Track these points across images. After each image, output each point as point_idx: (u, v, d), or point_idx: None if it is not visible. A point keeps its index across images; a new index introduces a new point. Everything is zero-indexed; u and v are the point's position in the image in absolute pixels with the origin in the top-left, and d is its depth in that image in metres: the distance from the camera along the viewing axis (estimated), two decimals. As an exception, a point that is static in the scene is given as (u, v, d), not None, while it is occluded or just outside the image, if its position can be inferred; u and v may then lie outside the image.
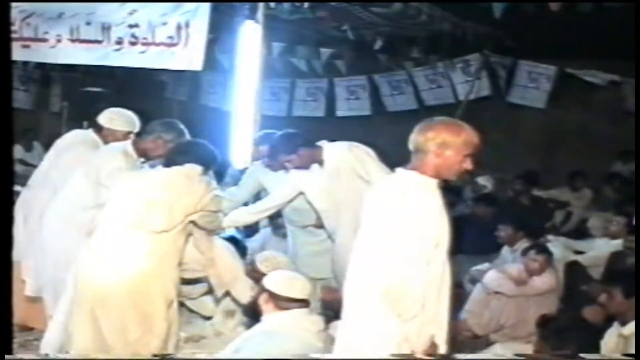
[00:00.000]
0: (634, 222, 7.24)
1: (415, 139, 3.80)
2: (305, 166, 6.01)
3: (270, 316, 4.75)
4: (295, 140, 6.02)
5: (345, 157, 5.96)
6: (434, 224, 3.70)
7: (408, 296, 3.60)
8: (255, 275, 5.97)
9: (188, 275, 5.58)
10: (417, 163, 3.77)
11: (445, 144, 3.69)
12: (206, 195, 5.18)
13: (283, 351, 4.33)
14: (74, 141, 6.65)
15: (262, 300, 4.79)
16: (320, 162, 5.99)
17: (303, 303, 4.80)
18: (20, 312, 6.44)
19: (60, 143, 6.76)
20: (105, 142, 6.38)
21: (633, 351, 4.56)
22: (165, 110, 11.43)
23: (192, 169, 5.20)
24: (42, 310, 6.25)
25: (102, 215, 5.23)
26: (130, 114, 6.56)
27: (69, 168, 6.22)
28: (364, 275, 3.60)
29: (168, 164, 5.38)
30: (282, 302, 4.73)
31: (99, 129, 6.52)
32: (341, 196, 5.91)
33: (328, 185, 5.99)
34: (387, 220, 3.63)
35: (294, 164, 5.99)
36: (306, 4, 7.29)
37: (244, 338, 4.82)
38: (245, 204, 6.68)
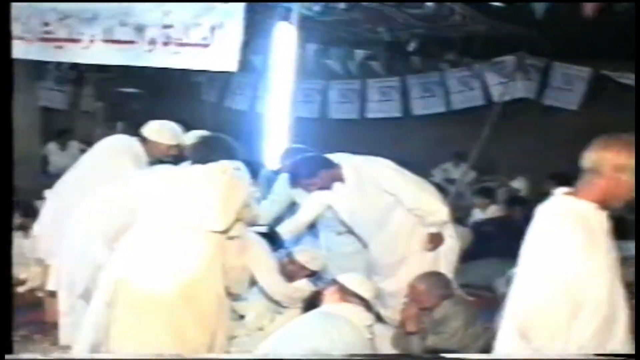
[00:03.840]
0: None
1: (590, 158, 3.35)
2: (327, 187, 6.06)
3: (333, 304, 4.97)
4: (315, 163, 6.07)
5: (364, 173, 6.01)
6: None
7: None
8: (292, 269, 6.14)
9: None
10: (583, 186, 3.38)
11: (622, 167, 3.27)
12: (246, 190, 5.21)
13: (338, 330, 4.60)
14: (116, 147, 6.55)
15: (329, 292, 5.08)
16: (342, 180, 6.03)
17: (363, 302, 5.02)
18: (49, 308, 6.57)
19: (102, 146, 6.68)
20: (149, 154, 6.32)
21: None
22: (198, 112, 11.49)
23: (227, 165, 5.20)
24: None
25: (140, 217, 5.20)
26: (175, 126, 6.47)
27: (106, 172, 6.15)
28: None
29: (196, 160, 5.35)
30: (348, 296, 4.99)
31: (142, 139, 6.41)
32: (367, 209, 6.01)
33: (353, 200, 6.05)
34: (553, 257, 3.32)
35: (316, 186, 6.06)
36: (342, 5, 7.28)
37: (301, 318, 4.95)
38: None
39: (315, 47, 10.10)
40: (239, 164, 5.39)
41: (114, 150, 6.44)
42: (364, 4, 7.70)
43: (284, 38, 7.42)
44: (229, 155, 5.30)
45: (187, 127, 6.57)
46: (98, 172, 6.24)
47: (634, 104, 11.69)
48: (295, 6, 7.19)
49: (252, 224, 5.56)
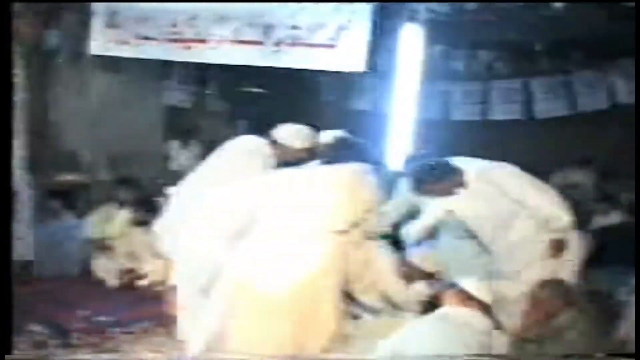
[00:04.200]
0: None
1: None
2: (451, 193, 6.07)
3: (452, 308, 4.93)
4: (439, 169, 6.06)
5: (488, 179, 6.00)
6: None
7: None
8: (407, 270, 6.11)
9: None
10: None
11: None
12: (373, 193, 5.18)
13: (457, 334, 4.62)
14: (245, 149, 6.54)
15: (448, 295, 5.01)
16: (466, 186, 6.03)
17: (483, 306, 4.97)
18: (170, 302, 6.64)
19: (231, 146, 6.67)
20: (278, 157, 6.29)
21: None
22: (319, 112, 11.50)
23: (357, 167, 5.18)
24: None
25: (261, 217, 5.22)
26: (306, 130, 6.42)
27: (234, 173, 6.16)
28: None
29: (328, 161, 5.34)
30: (468, 301, 4.94)
31: (272, 142, 6.39)
32: (491, 215, 6.00)
33: (476, 206, 6.05)
34: None
35: (440, 192, 6.08)
36: (470, 7, 7.16)
37: (420, 321, 4.88)
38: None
39: (441, 49, 10.00)
40: (368, 166, 5.36)
41: (243, 152, 6.43)
42: (495, 5, 7.57)
43: (410, 39, 7.35)
44: (359, 157, 5.30)
45: (308, 127, 6.53)
46: (225, 171, 6.26)
47: None
48: (422, 7, 7.10)
49: (374, 226, 5.51)
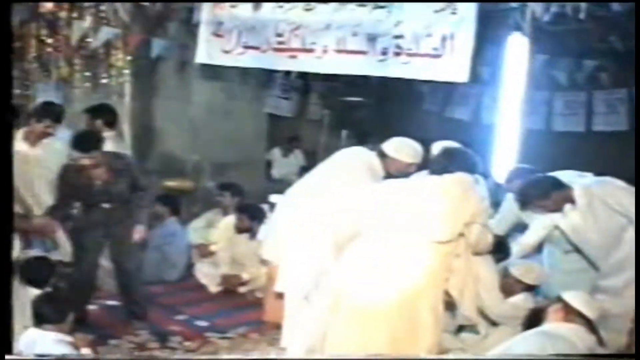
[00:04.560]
0: None
1: None
2: (558, 209, 6.01)
3: (555, 324, 4.83)
4: (546, 185, 6.02)
5: (596, 195, 5.91)
6: None
7: None
8: (508, 283, 6.07)
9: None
10: None
11: None
12: (480, 204, 5.15)
13: (558, 350, 4.50)
14: (354, 160, 6.48)
15: (553, 309, 4.93)
16: (572, 202, 5.95)
17: (587, 322, 4.86)
18: (270, 308, 6.72)
19: (340, 157, 6.64)
20: (387, 170, 6.25)
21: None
22: (420, 121, 11.47)
23: (464, 177, 5.15)
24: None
25: (367, 227, 5.23)
26: (416, 145, 6.36)
27: (341, 183, 6.17)
28: None
29: (434, 171, 5.33)
30: (572, 316, 4.85)
31: (381, 154, 6.33)
32: (598, 231, 5.90)
33: (583, 222, 5.94)
34: None
35: (547, 208, 6.02)
36: (575, 14, 7.05)
37: (521, 337, 4.83)
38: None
39: (544, 58, 9.85)
40: (478, 177, 5.34)
41: (352, 163, 6.40)
42: (599, 13, 7.43)
43: (515, 49, 7.29)
44: (469, 168, 5.27)
45: (409, 136, 6.52)
46: (333, 181, 6.27)
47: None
48: (527, 16, 7.02)
49: (478, 238, 5.46)
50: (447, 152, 5.61)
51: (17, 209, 6.33)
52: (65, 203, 6.70)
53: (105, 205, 6.55)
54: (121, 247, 6.71)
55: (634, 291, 5.57)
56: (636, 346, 4.29)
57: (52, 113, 7.87)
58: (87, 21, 8.58)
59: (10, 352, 3.65)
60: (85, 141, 6.45)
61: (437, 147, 6.21)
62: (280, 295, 6.34)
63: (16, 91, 11.01)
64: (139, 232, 6.70)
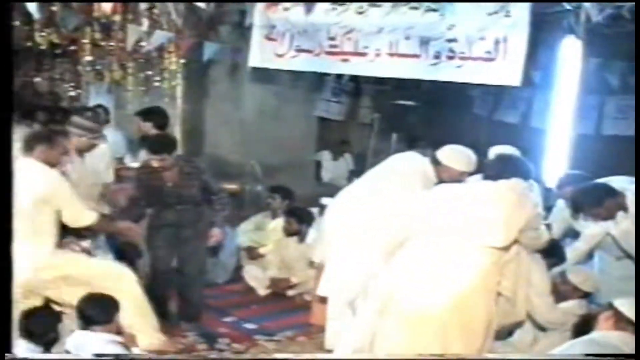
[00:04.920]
0: None
1: None
2: (611, 217, 5.98)
3: (605, 332, 4.70)
4: (600, 192, 5.95)
5: None
6: None
7: None
8: (565, 289, 5.98)
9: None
10: None
11: None
12: (534, 210, 5.12)
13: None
14: (408, 166, 6.42)
15: (604, 317, 4.76)
16: (626, 209, 5.91)
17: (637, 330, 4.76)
18: (318, 312, 6.75)
19: (393, 162, 6.60)
20: (439, 177, 6.15)
21: None
22: (469, 125, 11.42)
23: (520, 184, 5.13)
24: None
25: (418, 231, 5.22)
26: (470, 153, 6.25)
27: (393, 188, 6.18)
28: None
29: (489, 176, 5.31)
30: (623, 324, 4.68)
31: (435, 161, 6.23)
32: None
33: (634, 229, 5.86)
34: None
35: (600, 216, 5.99)
36: (627, 16, 6.97)
37: (569, 344, 4.78)
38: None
39: (597, 61, 9.76)
40: (531, 184, 5.31)
41: (405, 168, 6.36)
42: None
43: (568, 52, 7.24)
44: (523, 174, 5.24)
45: (458, 140, 6.48)
46: (385, 186, 6.27)
47: None
48: (581, 18, 6.96)
49: (532, 244, 5.43)
50: (501, 158, 5.59)
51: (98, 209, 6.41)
52: (139, 204, 6.80)
53: (177, 207, 6.65)
54: (188, 249, 6.78)
55: None
56: (636, 346, 4.25)
57: (100, 115, 7.96)
58: (145, 25, 8.64)
59: (10, 351, 3.66)
60: (160, 144, 6.59)
61: (493, 152, 6.19)
62: (325, 299, 6.40)
63: (71, 93, 11.23)
64: (215, 235, 6.81)
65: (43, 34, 8.92)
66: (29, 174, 5.43)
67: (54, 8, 8.53)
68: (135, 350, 5.31)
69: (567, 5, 7.02)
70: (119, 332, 5.31)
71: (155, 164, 6.51)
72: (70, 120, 6.73)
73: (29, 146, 5.70)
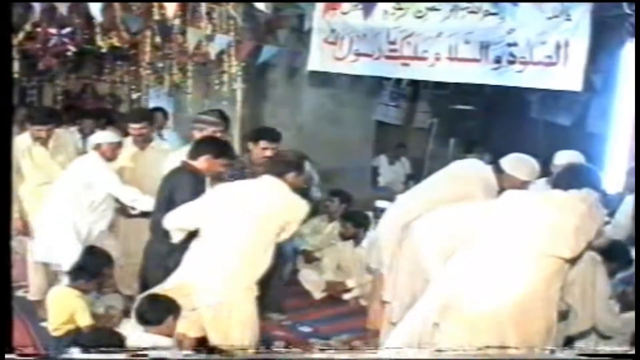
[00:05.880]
0: None
1: None
2: None
3: None
4: None
5: None
6: None
7: None
8: (627, 300, 5.94)
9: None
10: None
11: None
12: (601, 222, 5.07)
13: None
14: (470, 173, 6.40)
15: None
16: None
17: None
18: (374, 316, 6.73)
19: (455, 168, 6.58)
20: (501, 185, 6.10)
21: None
22: (526, 129, 11.33)
23: (591, 195, 5.08)
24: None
25: (479, 237, 5.19)
26: (533, 163, 6.21)
27: (454, 194, 6.06)
28: None
29: (558, 185, 5.27)
30: None
31: (498, 170, 6.20)
32: None
33: None
34: None
35: None
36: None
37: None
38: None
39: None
40: (599, 195, 5.25)
41: (467, 175, 6.33)
42: None
43: (628, 55, 7.16)
44: (593, 185, 5.18)
45: (516, 145, 6.43)
46: (446, 191, 6.23)
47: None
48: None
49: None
50: (572, 167, 5.54)
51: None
52: None
53: None
54: None
55: None
56: (636, 346, 4.18)
57: (158, 118, 8.05)
58: (208, 29, 8.72)
59: (10, 351, 3.70)
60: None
61: (560, 158, 6.13)
62: (384, 303, 6.38)
63: (133, 96, 11.36)
64: None
65: (104, 37, 9.03)
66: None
67: (116, 12, 8.65)
68: (187, 352, 5.34)
69: (627, 9, 6.94)
70: (170, 334, 5.36)
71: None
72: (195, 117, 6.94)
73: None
